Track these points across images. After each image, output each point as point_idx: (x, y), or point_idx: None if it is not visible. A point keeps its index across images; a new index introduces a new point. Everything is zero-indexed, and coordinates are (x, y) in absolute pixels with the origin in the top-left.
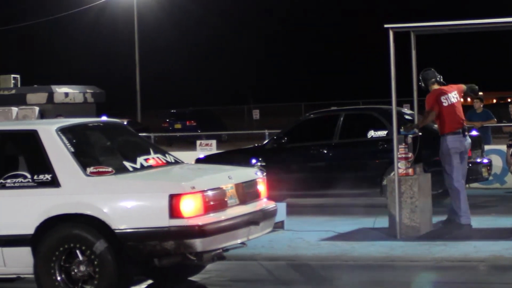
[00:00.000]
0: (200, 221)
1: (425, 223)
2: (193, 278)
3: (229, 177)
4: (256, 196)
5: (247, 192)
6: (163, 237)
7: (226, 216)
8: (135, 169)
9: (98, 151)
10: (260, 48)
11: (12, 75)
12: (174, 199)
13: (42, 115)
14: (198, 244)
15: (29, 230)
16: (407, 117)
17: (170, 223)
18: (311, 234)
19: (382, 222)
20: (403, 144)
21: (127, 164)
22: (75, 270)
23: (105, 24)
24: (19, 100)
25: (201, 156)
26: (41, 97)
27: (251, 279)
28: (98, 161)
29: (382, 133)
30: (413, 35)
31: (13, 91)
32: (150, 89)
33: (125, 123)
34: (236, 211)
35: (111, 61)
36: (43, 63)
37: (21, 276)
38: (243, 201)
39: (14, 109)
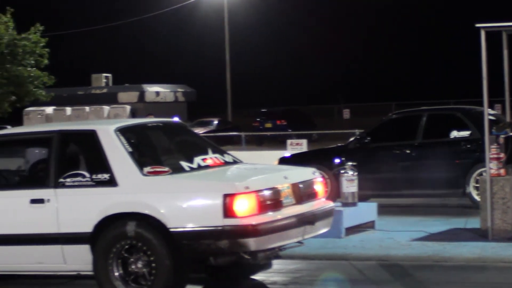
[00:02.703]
0: (253, 221)
1: None
2: (282, 278)
3: (285, 177)
4: (313, 196)
5: (303, 192)
6: (218, 236)
7: (280, 215)
8: (192, 169)
9: (155, 151)
10: (353, 47)
11: (104, 74)
12: (228, 198)
13: (134, 114)
14: (252, 243)
15: (88, 228)
16: (491, 117)
17: (224, 222)
18: (402, 234)
19: (473, 222)
20: (495, 144)
21: (184, 164)
22: (133, 266)
23: (196, 23)
24: (110, 98)
25: (287, 155)
26: (132, 96)
27: (342, 279)
28: (155, 161)
29: (465, 133)
30: (505, 34)
31: (105, 90)
32: (240, 88)
33: (216, 122)
34: (292, 210)
35: (201, 60)
36: (134, 62)
37: (81, 273)
38: (299, 201)
39: (106, 108)
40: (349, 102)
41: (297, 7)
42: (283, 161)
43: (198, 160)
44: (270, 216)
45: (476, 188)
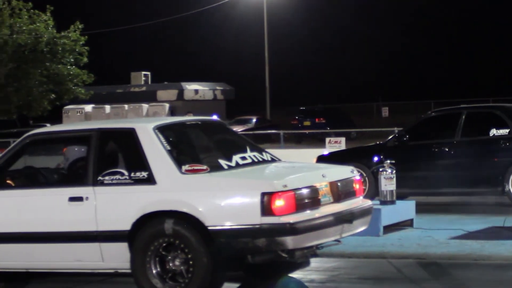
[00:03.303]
0: (291, 219)
1: None
2: (319, 276)
3: (323, 175)
4: (351, 194)
5: (341, 191)
6: (255, 235)
7: (318, 214)
8: (230, 167)
9: (194, 149)
10: (390, 45)
11: (143, 72)
12: (266, 197)
13: (173, 112)
14: (290, 241)
15: (126, 226)
16: None
17: (262, 220)
18: (440, 233)
19: None
20: None
21: (222, 162)
22: (170, 264)
23: (235, 21)
24: (149, 96)
25: (325, 153)
26: (171, 94)
27: (380, 277)
28: (194, 159)
29: (505, 131)
30: None
31: (144, 88)
32: (279, 86)
33: (254, 120)
34: (329, 209)
35: (240, 58)
36: (173, 60)
37: (119, 271)
38: (337, 199)
39: (145, 106)
40: (387, 100)
41: (335, 4)
42: (321, 159)
43: (236, 158)
44: (307, 214)
45: None
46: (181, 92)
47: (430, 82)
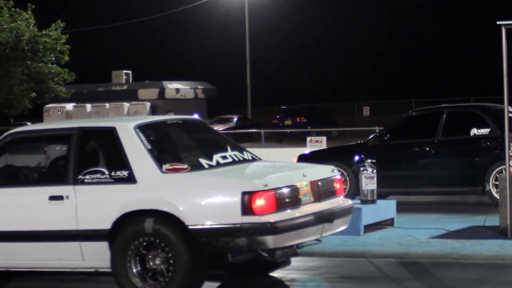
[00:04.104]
0: (272, 218)
1: None
2: (300, 275)
3: (304, 174)
4: (332, 193)
5: (322, 190)
6: (236, 234)
7: (299, 213)
8: (211, 166)
9: (175, 148)
10: (372, 45)
11: (124, 71)
12: (246, 196)
13: (154, 110)
14: (270, 241)
15: (107, 225)
16: (511, 115)
17: (243, 220)
18: (421, 232)
19: (492, 220)
20: None
21: (203, 161)
22: (150, 263)
23: (216, 20)
24: (130, 95)
25: (306, 152)
26: (153, 92)
27: (361, 276)
28: (174, 158)
29: (485, 131)
30: None
31: (125, 87)
32: (260, 85)
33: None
34: (310, 208)
35: (222, 58)
36: (154, 59)
37: (99, 270)
38: (317, 198)
39: (126, 105)
40: (369, 99)
41: (317, 4)
42: (302, 158)
43: (217, 157)
44: (288, 213)
45: (496, 186)
46: (162, 91)
47: (411, 81)
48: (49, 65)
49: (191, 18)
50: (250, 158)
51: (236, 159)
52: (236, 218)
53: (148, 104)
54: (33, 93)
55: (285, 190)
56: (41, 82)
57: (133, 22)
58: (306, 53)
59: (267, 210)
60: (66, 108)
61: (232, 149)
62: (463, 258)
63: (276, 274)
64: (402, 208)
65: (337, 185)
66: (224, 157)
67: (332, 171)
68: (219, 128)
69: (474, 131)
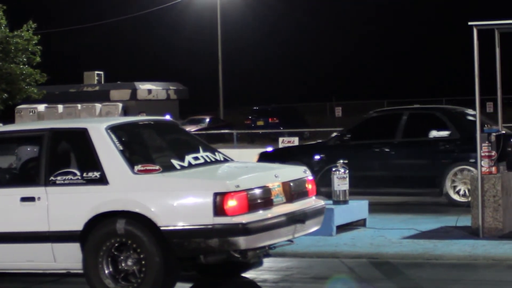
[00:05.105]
0: (244, 219)
1: (508, 222)
2: (272, 276)
3: (276, 175)
4: (304, 194)
5: (294, 191)
6: (208, 235)
7: (271, 214)
8: (182, 167)
9: (146, 149)
10: (343, 45)
11: (96, 72)
12: (218, 197)
13: (126, 111)
14: (242, 242)
15: (79, 226)
16: (470, 118)
17: (215, 221)
18: (393, 232)
19: (464, 220)
20: (487, 142)
21: (175, 162)
22: (122, 264)
23: (188, 21)
24: (102, 96)
25: (269, 150)
26: (125, 93)
27: (333, 276)
28: (146, 159)
29: (445, 133)
30: (497, 33)
31: (97, 88)
32: (233, 86)
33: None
34: (282, 209)
35: (194, 58)
36: (126, 59)
37: (71, 271)
38: (289, 199)
39: (98, 106)
40: (341, 99)
41: (290, 4)
42: (264, 156)
43: (189, 158)
44: (260, 214)
45: (454, 188)
46: (134, 91)
47: (384, 81)
48: (21, 66)
49: (163, 19)
50: (222, 159)
51: (208, 160)
52: (208, 219)
53: (120, 105)
54: (5, 94)
55: (257, 191)
56: (12, 83)
57: (105, 22)
58: (279, 54)
59: (239, 211)
60: (38, 109)
61: (204, 150)
62: (435, 258)
63: (248, 274)
64: (374, 208)
65: (309, 186)
66: (196, 158)
67: (304, 171)
68: (191, 129)
69: (433, 133)
